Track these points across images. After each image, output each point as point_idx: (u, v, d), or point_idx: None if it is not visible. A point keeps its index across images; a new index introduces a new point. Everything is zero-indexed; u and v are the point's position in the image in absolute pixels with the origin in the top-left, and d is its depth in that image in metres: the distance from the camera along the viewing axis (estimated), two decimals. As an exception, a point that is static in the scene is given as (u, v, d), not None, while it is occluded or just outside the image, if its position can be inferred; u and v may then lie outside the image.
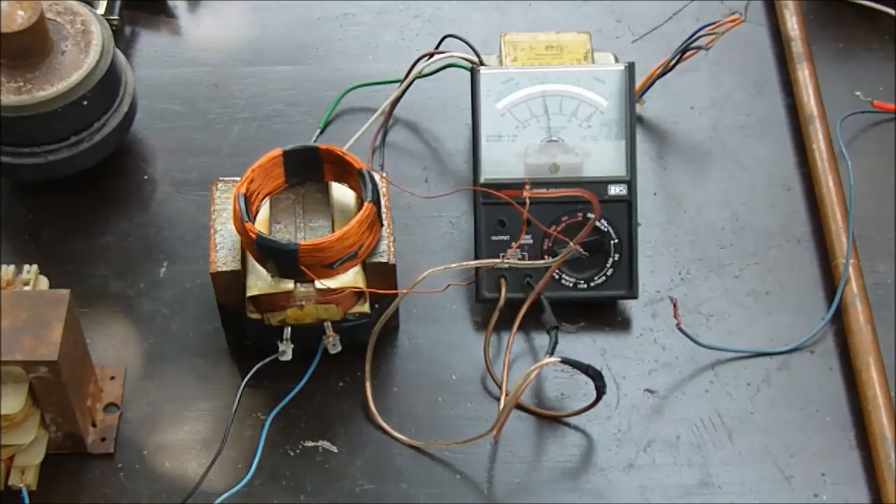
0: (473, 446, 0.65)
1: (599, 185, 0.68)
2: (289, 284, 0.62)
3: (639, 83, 0.74)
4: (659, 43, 0.79)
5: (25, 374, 0.58)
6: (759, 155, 0.77)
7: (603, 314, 0.70)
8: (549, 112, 0.68)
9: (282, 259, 0.60)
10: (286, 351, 0.64)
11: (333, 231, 0.64)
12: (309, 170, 0.65)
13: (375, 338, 0.66)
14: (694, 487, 0.64)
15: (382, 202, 0.65)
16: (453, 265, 0.66)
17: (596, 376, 0.64)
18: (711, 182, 0.76)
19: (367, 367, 0.66)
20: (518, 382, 0.62)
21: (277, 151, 0.64)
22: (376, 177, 0.64)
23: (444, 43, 0.75)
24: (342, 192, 0.65)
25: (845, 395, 0.67)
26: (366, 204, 0.61)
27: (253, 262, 0.62)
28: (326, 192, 0.65)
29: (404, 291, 0.64)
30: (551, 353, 0.65)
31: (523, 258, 0.68)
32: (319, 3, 0.84)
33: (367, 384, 0.66)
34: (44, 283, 0.63)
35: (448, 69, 0.75)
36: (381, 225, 0.63)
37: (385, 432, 0.65)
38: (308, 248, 0.60)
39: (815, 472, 0.65)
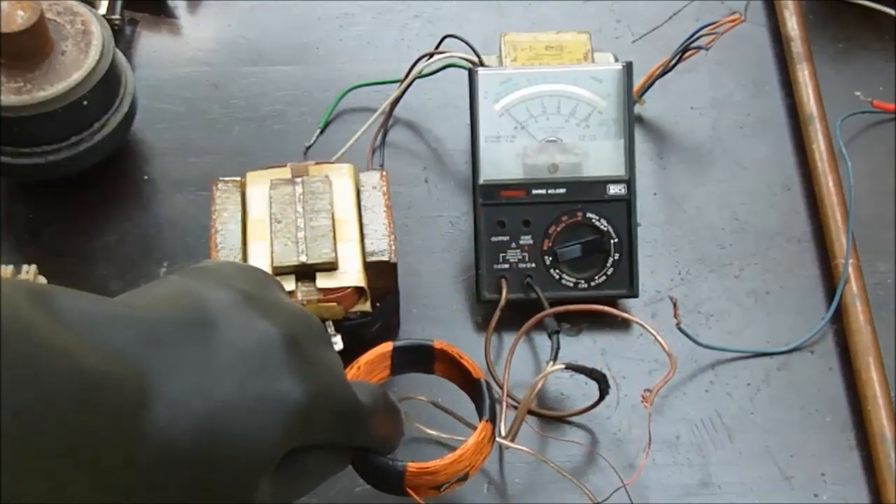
0: (473, 446, 0.65)
1: (598, 184, 0.68)
2: (290, 284, 0.62)
3: (639, 83, 0.74)
4: (659, 43, 0.79)
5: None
6: (759, 155, 0.77)
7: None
8: (546, 112, 0.68)
9: (386, 479, 0.56)
10: (287, 351, 0.63)
11: (334, 232, 0.64)
12: (418, 365, 0.61)
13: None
14: (694, 487, 0.64)
15: (382, 201, 0.65)
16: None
17: (601, 380, 0.63)
18: (711, 182, 0.76)
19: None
20: (527, 395, 0.62)
21: (388, 347, 0.59)
22: (496, 390, 0.59)
23: (444, 43, 0.75)
24: (343, 187, 0.65)
25: (845, 395, 0.67)
26: (482, 423, 0.57)
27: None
28: (329, 184, 0.65)
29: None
30: (555, 359, 0.65)
31: (523, 258, 0.69)
32: (319, 3, 0.84)
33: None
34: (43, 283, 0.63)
35: (448, 69, 0.75)
36: (493, 441, 0.58)
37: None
38: (417, 472, 0.55)
39: (815, 472, 0.65)
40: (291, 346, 0.45)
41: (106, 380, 0.39)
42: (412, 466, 0.55)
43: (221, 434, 0.42)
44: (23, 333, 0.37)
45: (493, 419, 0.57)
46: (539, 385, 0.62)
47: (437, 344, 0.59)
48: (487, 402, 0.57)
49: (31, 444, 0.37)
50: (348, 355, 0.65)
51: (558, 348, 0.65)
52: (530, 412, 0.66)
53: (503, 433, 0.62)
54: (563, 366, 0.63)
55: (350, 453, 0.53)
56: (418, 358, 0.60)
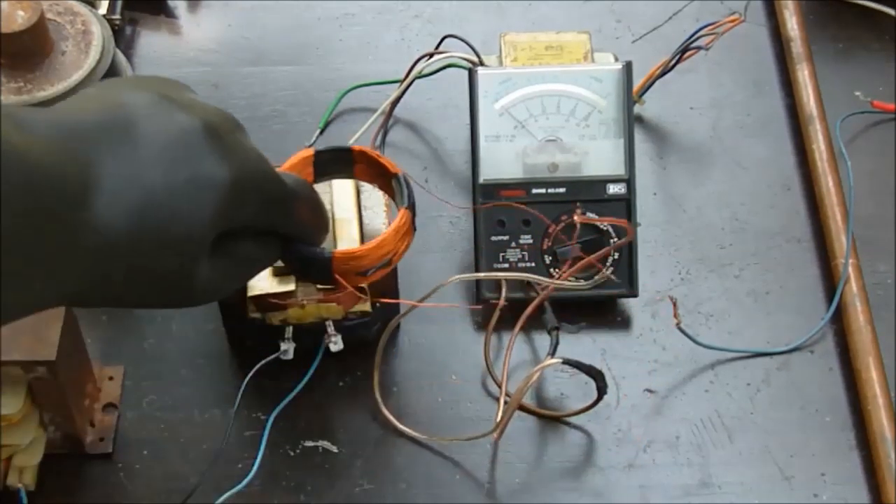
0: (474, 446, 0.65)
1: (598, 184, 0.68)
2: (290, 284, 0.62)
3: (639, 83, 0.74)
4: (659, 43, 0.79)
5: (24, 374, 0.58)
6: (759, 155, 0.77)
7: (603, 314, 0.70)
8: (546, 112, 0.68)
9: (316, 266, 0.58)
10: (288, 350, 0.64)
11: (334, 232, 0.64)
12: (339, 169, 0.63)
13: (385, 339, 0.66)
14: (694, 487, 0.64)
15: (382, 200, 0.65)
16: (460, 277, 0.67)
17: (598, 377, 0.64)
18: (711, 182, 0.76)
19: (376, 373, 0.66)
20: (520, 385, 0.62)
21: (309, 152, 0.61)
22: (412, 182, 0.62)
23: (444, 43, 0.75)
24: (343, 187, 0.65)
25: (845, 395, 0.67)
26: (401, 211, 0.59)
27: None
28: (329, 184, 0.65)
29: (407, 307, 0.64)
30: (552, 355, 0.65)
31: (523, 258, 0.69)
32: (319, 3, 0.84)
33: (375, 379, 0.66)
34: (43, 282, 0.63)
35: (448, 69, 0.75)
36: (414, 231, 0.61)
37: (391, 426, 0.65)
38: (343, 257, 0.58)
39: (815, 472, 0.65)
40: (212, 133, 0.48)
41: (50, 170, 0.43)
42: (338, 252, 0.57)
43: (156, 218, 0.46)
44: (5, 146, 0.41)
45: (411, 207, 0.59)
46: (534, 377, 0.62)
47: (357, 147, 0.61)
48: (406, 191, 0.60)
49: None
50: (348, 356, 0.65)
51: (557, 344, 0.65)
52: (530, 412, 0.66)
53: (496, 423, 0.63)
54: (559, 360, 0.63)
55: (280, 242, 0.55)
56: (339, 161, 0.62)
